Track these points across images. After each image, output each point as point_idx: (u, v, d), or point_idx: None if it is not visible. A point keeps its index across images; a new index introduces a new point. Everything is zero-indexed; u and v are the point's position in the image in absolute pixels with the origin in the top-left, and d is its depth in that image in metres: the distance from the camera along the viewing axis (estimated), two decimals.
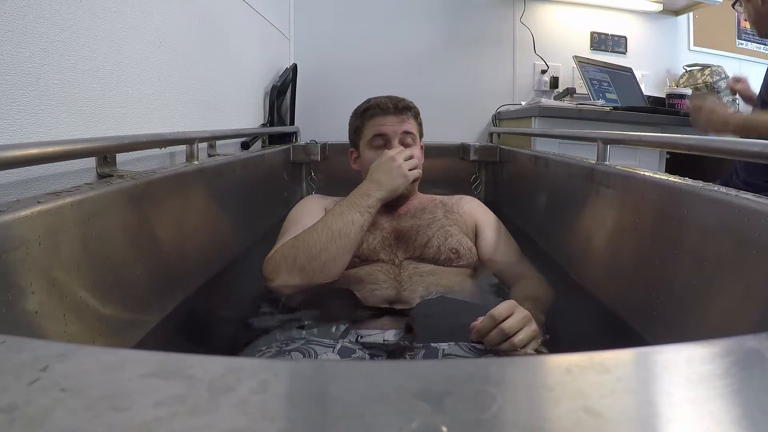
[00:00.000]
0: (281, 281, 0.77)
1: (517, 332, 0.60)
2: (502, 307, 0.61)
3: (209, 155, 1.10)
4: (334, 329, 0.67)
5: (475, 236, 0.97)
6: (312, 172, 1.83)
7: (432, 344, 0.64)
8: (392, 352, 0.64)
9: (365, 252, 0.87)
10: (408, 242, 0.90)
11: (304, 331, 0.67)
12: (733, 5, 1.43)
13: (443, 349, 0.63)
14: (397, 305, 0.73)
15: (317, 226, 0.81)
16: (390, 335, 0.67)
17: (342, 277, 0.80)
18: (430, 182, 1.83)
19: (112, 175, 0.69)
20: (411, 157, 0.92)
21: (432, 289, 0.77)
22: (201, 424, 0.17)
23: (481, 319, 0.61)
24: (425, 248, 0.88)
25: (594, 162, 0.92)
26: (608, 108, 1.68)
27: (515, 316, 0.60)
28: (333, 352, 0.62)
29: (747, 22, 1.58)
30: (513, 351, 0.60)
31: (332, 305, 0.74)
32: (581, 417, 0.17)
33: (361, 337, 0.66)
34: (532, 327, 0.61)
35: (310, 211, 0.92)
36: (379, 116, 1.00)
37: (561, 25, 2.23)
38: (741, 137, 1.09)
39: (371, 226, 0.88)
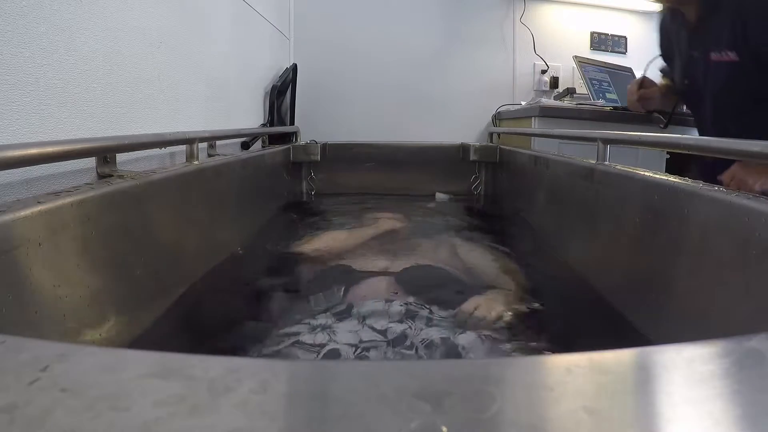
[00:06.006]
0: None
1: (484, 317, 0.71)
2: (466, 307, 0.73)
3: (209, 155, 1.10)
4: (333, 295, 0.77)
5: None
6: (312, 172, 1.83)
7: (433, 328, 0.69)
8: (392, 338, 0.66)
9: None
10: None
11: (308, 305, 0.76)
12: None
13: (462, 345, 0.65)
14: (389, 269, 0.86)
15: None
16: (387, 306, 0.73)
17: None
18: (430, 183, 1.84)
19: (112, 175, 0.69)
20: None
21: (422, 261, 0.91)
22: (201, 424, 0.17)
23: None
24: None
25: (594, 162, 0.92)
26: (608, 108, 1.68)
27: (478, 310, 0.72)
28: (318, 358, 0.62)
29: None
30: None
31: (328, 275, 0.86)
32: (581, 417, 0.17)
33: (360, 308, 0.73)
34: (496, 306, 0.74)
35: None
36: None
37: (561, 25, 2.23)
38: None
39: None
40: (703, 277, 0.58)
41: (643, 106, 1.41)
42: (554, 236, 1.12)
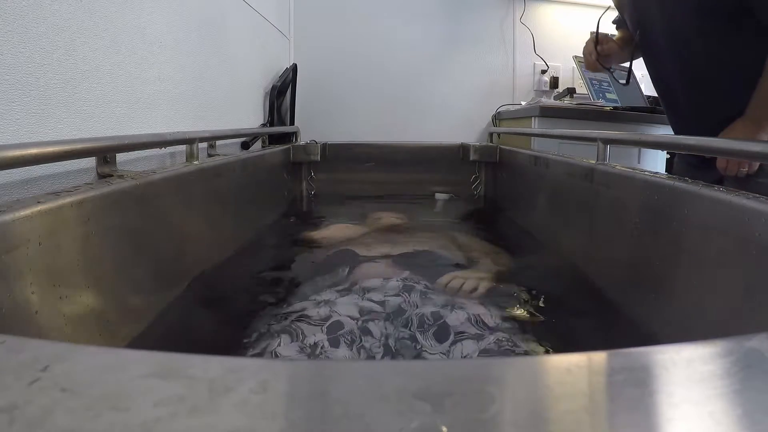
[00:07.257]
0: None
1: (461, 287, 0.80)
2: (443, 279, 0.83)
3: (209, 155, 1.10)
4: (339, 275, 0.85)
5: None
6: (312, 172, 1.83)
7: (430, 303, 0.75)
8: (392, 312, 0.72)
9: None
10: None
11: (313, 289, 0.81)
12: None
13: (454, 326, 0.68)
14: (392, 252, 0.95)
15: None
16: (389, 282, 0.80)
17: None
18: (430, 183, 1.84)
19: (112, 175, 0.69)
20: None
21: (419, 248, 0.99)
22: (201, 424, 0.17)
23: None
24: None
25: (594, 162, 0.92)
26: (608, 108, 1.68)
27: (453, 281, 0.82)
28: (321, 332, 0.65)
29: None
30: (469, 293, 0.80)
31: (334, 258, 0.95)
32: (581, 417, 0.17)
33: (363, 287, 0.78)
34: (471, 279, 0.82)
35: None
36: None
37: (561, 25, 2.22)
38: None
39: None
40: (703, 277, 0.58)
41: (602, 64, 1.33)
42: (553, 236, 1.12)
